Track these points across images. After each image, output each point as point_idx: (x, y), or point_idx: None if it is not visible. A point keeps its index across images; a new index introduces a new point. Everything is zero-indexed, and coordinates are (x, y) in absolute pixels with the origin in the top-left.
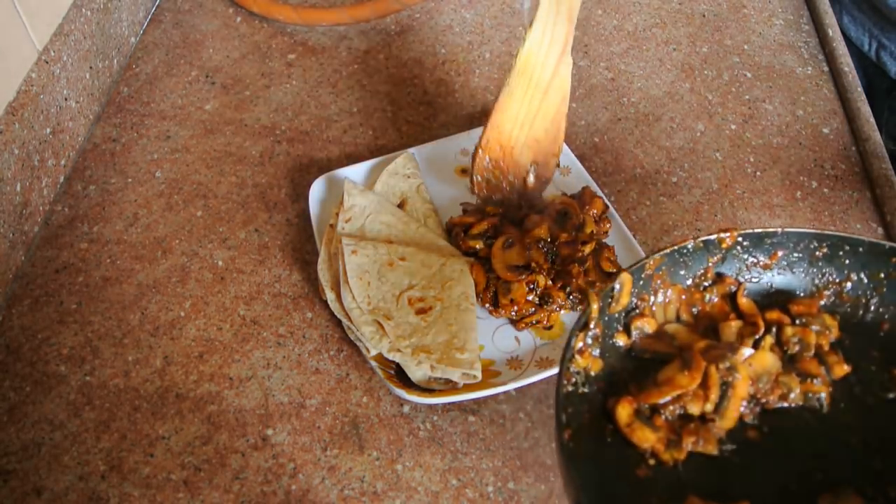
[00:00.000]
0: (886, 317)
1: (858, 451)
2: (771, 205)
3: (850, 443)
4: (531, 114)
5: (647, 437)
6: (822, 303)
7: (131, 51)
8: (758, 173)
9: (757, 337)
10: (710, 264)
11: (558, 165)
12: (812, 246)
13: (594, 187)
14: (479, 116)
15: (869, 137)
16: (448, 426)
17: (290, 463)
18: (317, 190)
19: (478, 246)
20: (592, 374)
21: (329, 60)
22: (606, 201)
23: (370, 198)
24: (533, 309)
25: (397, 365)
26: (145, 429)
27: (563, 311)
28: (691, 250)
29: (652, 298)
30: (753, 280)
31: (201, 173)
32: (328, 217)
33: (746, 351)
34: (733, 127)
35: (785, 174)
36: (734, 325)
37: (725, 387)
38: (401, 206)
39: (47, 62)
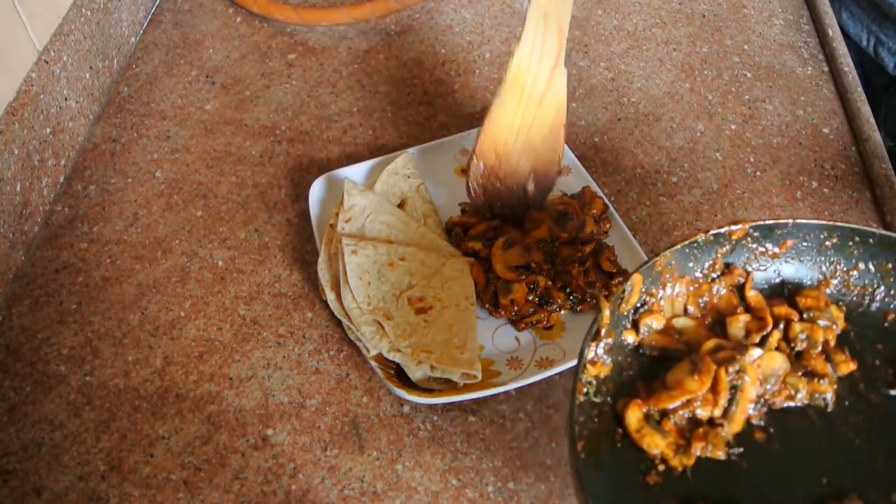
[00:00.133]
0: (892, 307)
1: (862, 451)
2: (771, 205)
3: (854, 443)
4: (526, 124)
5: (656, 443)
6: (829, 291)
7: (131, 51)
8: (758, 173)
9: (764, 333)
10: (719, 255)
11: (560, 174)
12: (822, 236)
13: (594, 187)
14: (479, 116)
15: (869, 137)
16: (448, 426)
17: (290, 463)
18: (317, 190)
19: (477, 246)
20: (602, 376)
21: (329, 60)
22: (606, 201)
23: (370, 198)
24: (533, 309)
25: (397, 365)
26: (145, 429)
27: (563, 311)
28: (701, 244)
29: (660, 293)
30: (761, 269)
31: (201, 173)
32: (328, 217)
33: (755, 352)
34: (733, 127)
35: (785, 174)
36: (741, 319)
37: (734, 390)
38: (401, 206)
39: (47, 62)
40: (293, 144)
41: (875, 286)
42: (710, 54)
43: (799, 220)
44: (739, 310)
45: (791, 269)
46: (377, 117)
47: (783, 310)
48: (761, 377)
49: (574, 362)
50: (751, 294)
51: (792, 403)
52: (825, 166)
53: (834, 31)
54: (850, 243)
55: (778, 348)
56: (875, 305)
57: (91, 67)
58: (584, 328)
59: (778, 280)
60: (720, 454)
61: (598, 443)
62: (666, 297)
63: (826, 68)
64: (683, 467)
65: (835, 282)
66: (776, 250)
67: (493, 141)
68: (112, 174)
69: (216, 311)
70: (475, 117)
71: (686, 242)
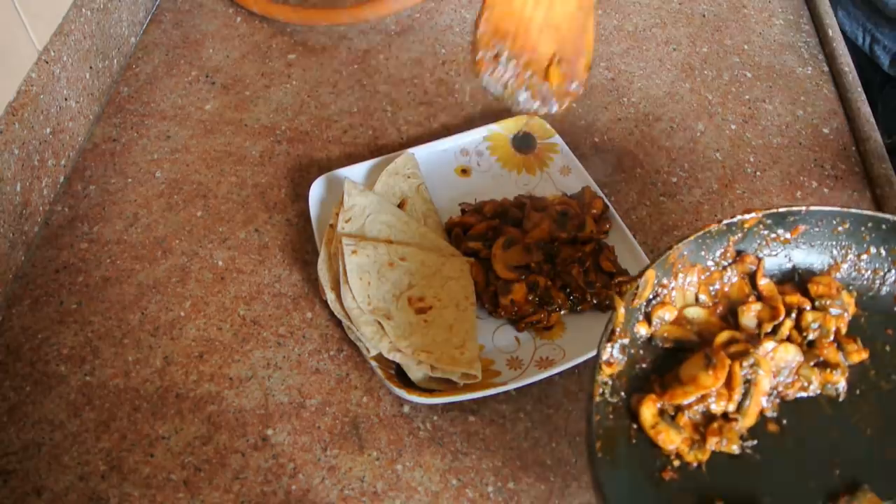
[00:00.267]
0: None
1: (873, 441)
2: (771, 205)
3: (865, 433)
4: None
5: (672, 439)
6: (839, 275)
7: (131, 51)
8: (758, 173)
9: (776, 322)
10: (731, 243)
11: (589, 69)
12: (834, 221)
13: (594, 187)
14: (479, 116)
15: (869, 137)
16: (448, 426)
17: (290, 463)
18: (317, 190)
19: (477, 246)
20: (616, 372)
21: (329, 60)
22: (606, 201)
23: (370, 198)
24: (533, 309)
25: (397, 365)
26: (145, 429)
27: (563, 311)
28: (714, 233)
29: (672, 283)
30: (773, 255)
31: (201, 173)
32: (328, 217)
33: (769, 345)
34: (733, 127)
35: (785, 174)
36: (753, 308)
37: (748, 384)
38: (401, 206)
39: (47, 62)
40: (293, 144)
41: (886, 270)
42: (710, 54)
43: (812, 207)
44: (751, 299)
45: (802, 254)
46: (377, 117)
47: (795, 298)
48: (775, 369)
49: (574, 362)
50: (762, 282)
51: (804, 394)
52: (825, 166)
53: (834, 31)
54: (863, 229)
55: (790, 337)
56: (885, 289)
57: (91, 67)
58: (584, 328)
59: (789, 265)
60: (734, 448)
61: (614, 441)
62: (677, 287)
63: (826, 68)
64: (698, 462)
65: (845, 266)
66: (787, 236)
67: (506, 2)
68: (112, 174)
69: (216, 311)
70: (475, 117)
71: (699, 233)
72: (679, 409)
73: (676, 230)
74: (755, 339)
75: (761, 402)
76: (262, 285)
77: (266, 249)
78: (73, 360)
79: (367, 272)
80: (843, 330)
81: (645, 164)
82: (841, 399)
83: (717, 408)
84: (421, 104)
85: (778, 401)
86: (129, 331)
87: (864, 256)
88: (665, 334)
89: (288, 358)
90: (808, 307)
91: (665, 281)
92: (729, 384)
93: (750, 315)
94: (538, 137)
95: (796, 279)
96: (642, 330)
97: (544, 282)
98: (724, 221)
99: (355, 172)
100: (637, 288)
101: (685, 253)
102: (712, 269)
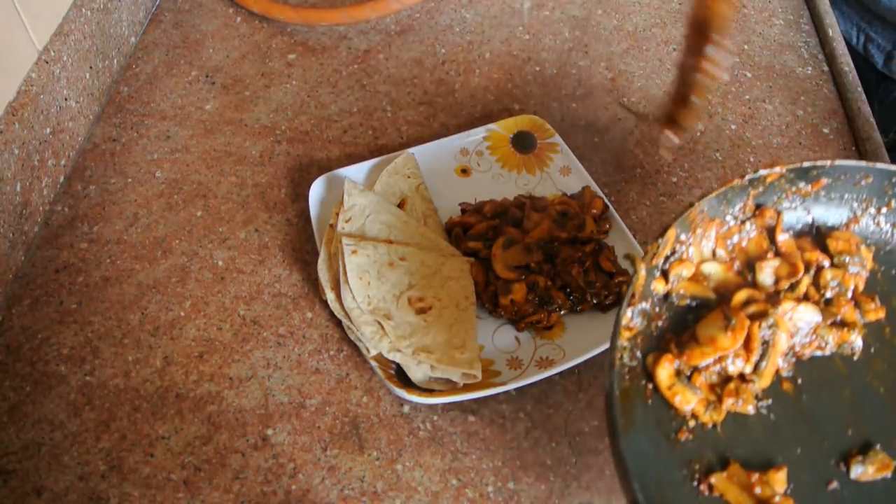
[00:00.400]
0: None
1: (886, 400)
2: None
3: (878, 391)
4: None
5: (688, 400)
6: (857, 228)
7: (131, 51)
8: None
9: (794, 280)
10: (750, 197)
11: None
12: (858, 175)
13: (594, 187)
14: (479, 116)
15: (869, 137)
16: (448, 426)
17: (290, 463)
18: (317, 190)
19: (477, 246)
20: (634, 333)
21: (329, 60)
22: (606, 201)
23: (370, 198)
24: (533, 309)
25: (397, 365)
26: (145, 429)
27: (563, 311)
28: (737, 188)
29: (690, 238)
30: (792, 208)
31: (201, 173)
32: (328, 217)
33: (787, 305)
34: (733, 127)
35: None
36: (771, 264)
37: (765, 345)
38: (401, 206)
39: (47, 62)
40: (293, 144)
41: None
42: None
43: (837, 162)
44: (770, 254)
45: (821, 208)
46: (377, 117)
47: (814, 255)
48: (793, 330)
49: (574, 362)
50: (782, 238)
51: (820, 353)
52: None
53: (834, 31)
54: (886, 183)
55: (807, 295)
56: None
57: (91, 67)
58: (584, 328)
59: (808, 218)
60: (749, 408)
61: (631, 402)
62: (695, 242)
63: (826, 68)
64: (714, 423)
65: (864, 219)
66: (809, 188)
67: None
68: (112, 174)
69: (216, 311)
70: (475, 117)
71: (722, 189)
72: (696, 369)
73: None
74: (774, 298)
75: (778, 362)
76: (262, 285)
77: (266, 249)
78: (73, 360)
79: (367, 272)
80: (861, 287)
81: (645, 164)
82: (856, 358)
83: (733, 368)
84: (421, 104)
85: (794, 360)
86: (129, 331)
87: (885, 210)
88: (682, 290)
89: (288, 358)
90: (827, 264)
91: (683, 237)
92: (747, 345)
93: (767, 271)
94: (538, 137)
95: (814, 233)
96: (659, 287)
97: (544, 282)
98: (748, 177)
99: (355, 172)
100: (658, 248)
101: (705, 209)
102: (731, 223)
